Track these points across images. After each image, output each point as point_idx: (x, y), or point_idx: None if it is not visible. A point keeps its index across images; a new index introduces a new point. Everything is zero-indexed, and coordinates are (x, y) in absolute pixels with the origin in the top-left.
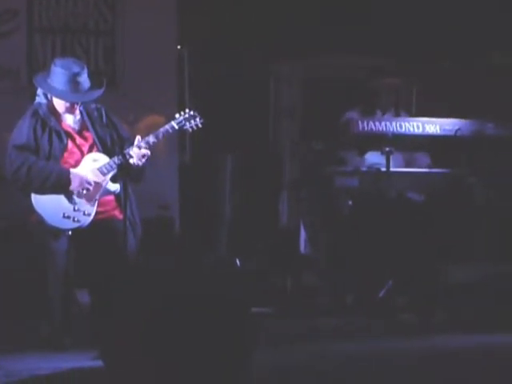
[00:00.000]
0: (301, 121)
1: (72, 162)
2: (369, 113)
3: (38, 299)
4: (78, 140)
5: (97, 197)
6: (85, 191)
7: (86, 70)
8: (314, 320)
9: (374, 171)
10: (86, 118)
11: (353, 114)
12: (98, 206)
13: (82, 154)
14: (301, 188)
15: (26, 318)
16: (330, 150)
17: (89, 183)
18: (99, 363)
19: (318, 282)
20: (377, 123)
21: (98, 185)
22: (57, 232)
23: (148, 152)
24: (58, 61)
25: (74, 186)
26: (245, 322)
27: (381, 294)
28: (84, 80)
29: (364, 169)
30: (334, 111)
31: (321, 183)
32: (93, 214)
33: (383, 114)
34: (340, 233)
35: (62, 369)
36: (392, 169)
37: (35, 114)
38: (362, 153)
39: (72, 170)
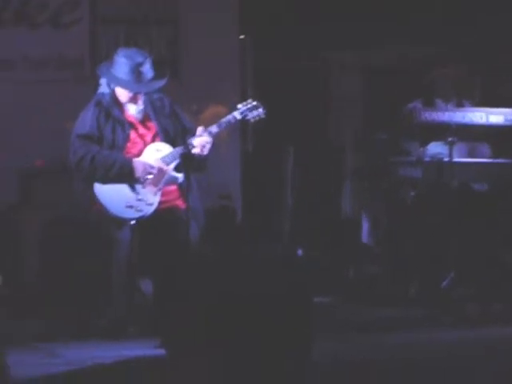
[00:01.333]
0: (363, 110)
1: (135, 151)
2: (430, 103)
3: (101, 288)
4: (141, 130)
5: (160, 186)
6: (148, 180)
7: (149, 60)
8: (375, 310)
9: (437, 161)
10: (148, 107)
11: (416, 104)
12: (160, 196)
13: (145, 144)
14: (363, 178)
15: (88, 307)
16: (392, 139)
17: (152, 169)
18: (162, 352)
19: (380, 272)
20: (440, 113)
21: (160, 173)
22: (120, 222)
23: (210, 142)
24: (121, 51)
25: (137, 173)
26: (306, 311)
27: (443, 285)
28: (147, 70)
29: (427, 159)
30: (396, 101)
31: (383, 173)
32: (156, 204)
33: (446, 104)
34: (402, 223)
35: (125, 357)
36: (455, 159)
37: (98, 103)
38: (425, 143)
39: (135, 158)
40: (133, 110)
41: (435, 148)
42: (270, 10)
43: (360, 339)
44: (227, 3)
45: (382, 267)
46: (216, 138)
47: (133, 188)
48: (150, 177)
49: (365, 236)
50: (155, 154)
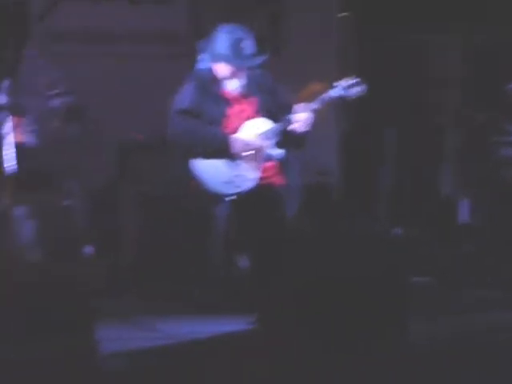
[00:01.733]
0: (464, 90)
1: (233, 127)
2: None
3: (198, 264)
4: (241, 105)
5: (258, 162)
6: (246, 156)
7: (249, 36)
8: (472, 291)
9: None
10: (248, 83)
11: None
12: (259, 172)
13: (244, 120)
14: (464, 158)
15: (185, 283)
16: (493, 119)
17: (251, 144)
18: (257, 328)
19: (479, 253)
20: None
21: (259, 150)
22: (218, 197)
23: (310, 119)
24: (222, 26)
25: (236, 149)
26: (402, 291)
27: None
28: (247, 46)
29: None
30: (498, 80)
31: (484, 153)
32: (254, 180)
33: None
34: (504, 203)
35: (221, 332)
36: None
37: (198, 79)
38: None
39: (234, 135)
40: (232, 86)
41: None
42: None
43: (456, 320)
44: None
45: (481, 248)
46: (315, 115)
47: (231, 164)
48: (249, 153)
49: (464, 216)
50: (254, 130)
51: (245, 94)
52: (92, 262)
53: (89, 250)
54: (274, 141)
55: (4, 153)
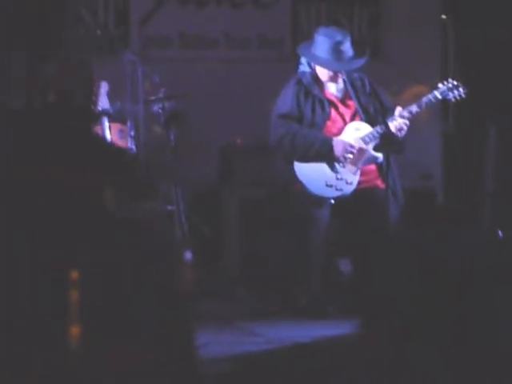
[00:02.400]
0: None
1: (334, 130)
2: None
3: (299, 267)
4: (341, 108)
5: (359, 166)
6: (348, 158)
7: (349, 39)
8: None
9: None
10: (349, 86)
11: None
12: (360, 175)
13: (345, 123)
14: None
15: (287, 286)
16: None
17: (353, 148)
18: (360, 332)
19: None
20: None
21: (360, 153)
22: (319, 200)
23: (407, 123)
24: (321, 29)
25: (337, 152)
26: (504, 294)
27: None
28: (347, 49)
29: None
30: None
31: None
32: (355, 183)
33: None
34: None
35: (324, 337)
36: None
37: (299, 82)
38: None
39: (335, 137)
40: (333, 89)
41: None
42: None
43: None
44: None
45: None
46: (417, 118)
47: (332, 167)
48: (350, 156)
49: None
50: (355, 133)
51: (345, 97)
52: (190, 268)
53: (188, 255)
54: (374, 144)
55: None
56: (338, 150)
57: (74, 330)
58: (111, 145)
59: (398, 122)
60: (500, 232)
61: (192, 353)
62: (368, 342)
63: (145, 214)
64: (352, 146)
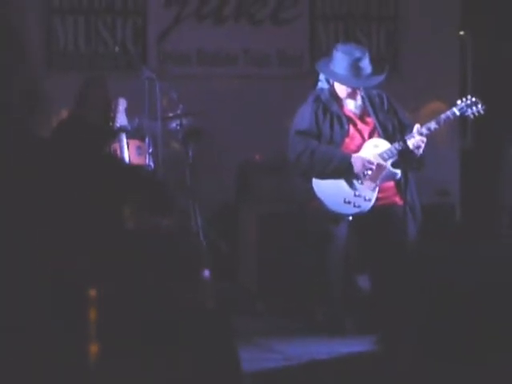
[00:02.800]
0: None
1: (353, 147)
2: None
3: (317, 284)
4: (360, 125)
5: (377, 182)
6: (367, 175)
7: (367, 56)
8: None
9: None
10: (367, 103)
11: None
12: (378, 192)
13: (363, 140)
14: None
15: (305, 303)
16: None
17: (371, 163)
18: (377, 349)
19: None
20: None
21: (379, 169)
22: (337, 217)
23: (424, 140)
24: (339, 46)
25: (356, 169)
26: None
27: None
28: (365, 65)
29: None
30: None
31: None
32: (373, 200)
33: None
34: None
35: (343, 353)
36: None
37: (317, 99)
38: None
39: (353, 154)
40: (351, 106)
41: None
42: (490, 5)
43: None
44: None
45: None
46: (435, 135)
47: (351, 183)
48: (369, 173)
49: None
50: (373, 149)
51: (363, 114)
52: (209, 285)
53: (206, 273)
54: (392, 161)
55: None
56: (356, 167)
57: (93, 348)
58: (129, 163)
59: (415, 140)
60: None
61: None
62: (386, 359)
63: (165, 231)
64: (371, 163)
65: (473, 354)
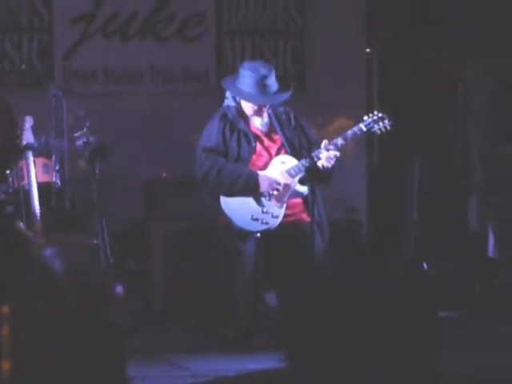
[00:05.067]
0: (489, 124)
1: (260, 164)
2: None
3: (225, 301)
4: (267, 142)
5: (285, 199)
6: (274, 193)
7: (273, 73)
8: (501, 325)
9: None
10: (274, 120)
11: None
12: (286, 209)
13: (271, 157)
14: (491, 192)
15: (213, 320)
16: None
17: (278, 184)
18: (285, 365)
19: (507, 287)
20: None
21: (286, 187)
22: (245, 234)
23: (336, 154)
24: (246, 63)
25: (263, 188)
26: (431, 325)
27: None
28: (272, 83)
29: None
30: None
31: (510, 187)
32: (281, 217)
33: None
34: None
35: (249, 370)
36: None
37: (224, 116)
38: None
39: (260, 172)
40: (258, 123)
41: None
42: (395, 23)
43: (485, 354)
44: (353, 16)
45: (508, 282)
46: (341, 151)
47: (258, 200)
48: (276, 190)
49: (492, 250)
50: (281, 166)
51: (270, 131)
52: (121, 301)
53: (118, 289)
54: (300, 177)
55: (32, 193)
56: (263, 186)
57: (5, 365)
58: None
59: (323, 155)
60: (425, 264)
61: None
62: (294, 376)
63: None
64: (278, 183)
65: (383, 369)
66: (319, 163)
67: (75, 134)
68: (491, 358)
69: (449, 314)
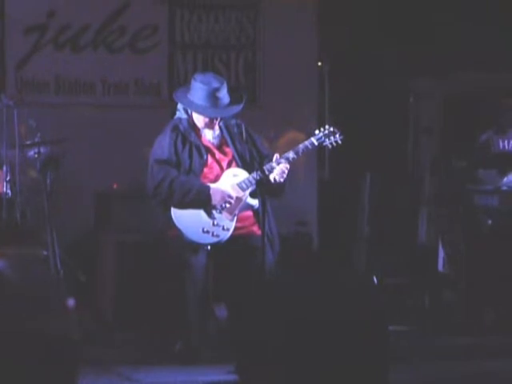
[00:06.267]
0: (440, 138)
1: (212, 177)
2: (503, 132)
3: (175, 313)
4: (218, 155)
5: (236, 212)
6: (226, 205)
7: (225, 86)
8: (451, 338)
9: None
10: (225, 133)
11: (489, 134)
12: (236, 222)
13: (222, 170)
14: (440, 205)
15: (161, 331)
16: (470, 167)
17: (230, 197)
18: (235, 377)
19: (456, 300)
20: None
21: (237, 200)
22: (196, 247)
23: (287, 167)
24: (198, 76)
25: (214, 201)
26: (381, 339)
27: None
28: (223, 95)
29: (504, 188)
30: (474, 128)
31: (460, 201)
32: (232, 229)
33: None
34: (479, 251)
35: (198, 382)
36: None
37: (175, 128)
38: (503, 172)
39: (212, 185)
40: (209, 136)
41: None
42: (347, 37)
43: (435, 367)
44: (305, 30)
45: (458, 295)
46: (293, 164)
47: (209, 213)
48: (227, 203)
49: (441, 263)
50: (232, 179)
51: (221, 144)
52: (73, 313)
53: (70, 302)
54: (251, 190)
55: None
56: (215, 199)
57: None
58: None
59: (274, 168)
60: (375, 278)
61: None
62: None
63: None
64: (230, 196)
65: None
66: (271, 177)
67: (26, 142)
68: (440, 371)
69: (398, 328)
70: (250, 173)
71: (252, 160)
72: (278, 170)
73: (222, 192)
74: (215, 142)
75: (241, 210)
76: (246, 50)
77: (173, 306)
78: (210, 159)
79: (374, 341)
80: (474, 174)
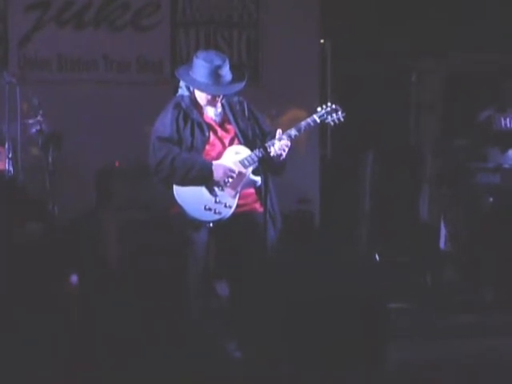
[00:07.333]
0: (442, 116)
1: (214, 154)
2: (503, 110)
3: (177, 290)
4: (220, 132)
5: (238, 189)
6: (228, 182)
7: (227, 63)
8: (452, 316)
9: None
10: (227, 110)
11: (490, 111)
12: (239, 199)
13: (224, 147)
14: (442, 184)
15: (164, 309)
16: (471, 145)
17: (232, 171)
18: (238, 354)
19: (457, 278)
20: None
21: (239, 177)
22: (198, 224)
23: (289, 145)
24: (200, 53)
25: (217, 176)
26: (381, 316)
27: None
28: (226, 73)
29: (506, 166)
30: (475, 107)
31: (462, 179)
32: (234, 207)
33: None
34: (481, 229)
35: None
36: None
37: (177, 106)
38: (504, 150)
39: (215, 161)
40: (212, 113)
41: None
42: (349, 15)
43: (436, 345)
44: (308, 7)
45: (459, 273)
46: (295, 142)
47: (211, 190)
48: (230, 180)
49: (443, 242)
50: (234, 156)
51: (223, 121)
52: (75, 290)
53: (73, 278)
54: (252, 168)
55: None
56: (217, 174)
57: None
58: None
59: (276, 145)
60: (377, 255)
61: None
62: (244, 365)
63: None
64: (232, 171)
65: (332, 361)
66: (272, 153)
67: (29, 121)
68: (440, 348)
69: (399, 305)
70: (252, 150)
71: (254, 137)
72: (280, 147)
73: (225, 167)
74: (217, 119)
75: (243, 188)
76: (248, 27)
77: (174, 283)
78: (212, 136)
79: (373, 317)
80: (476, 152)
